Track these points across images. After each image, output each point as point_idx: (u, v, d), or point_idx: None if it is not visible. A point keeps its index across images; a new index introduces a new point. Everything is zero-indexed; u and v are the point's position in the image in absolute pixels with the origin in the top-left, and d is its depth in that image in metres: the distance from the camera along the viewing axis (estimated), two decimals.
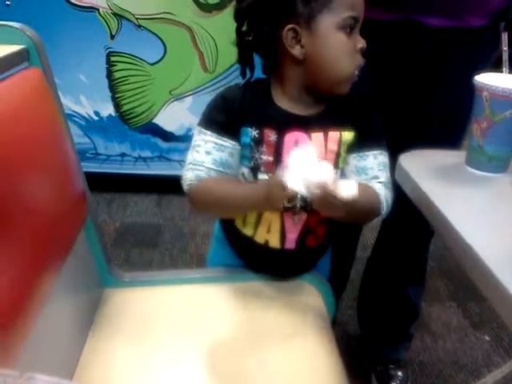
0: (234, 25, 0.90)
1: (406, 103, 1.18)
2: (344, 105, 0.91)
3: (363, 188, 0.85)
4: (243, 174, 0.92)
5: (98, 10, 2.12)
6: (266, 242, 0.97)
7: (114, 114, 2.30)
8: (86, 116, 2.30)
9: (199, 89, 2.26)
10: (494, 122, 0.80)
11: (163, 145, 2.37)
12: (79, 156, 0.94)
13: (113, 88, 2.27)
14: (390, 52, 1.11)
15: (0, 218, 0.62)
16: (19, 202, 0.67)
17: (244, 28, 0.89)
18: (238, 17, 0.89)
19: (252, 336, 0.91)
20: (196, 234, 2.16)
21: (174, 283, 1.06)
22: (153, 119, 2.32)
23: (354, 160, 0.92)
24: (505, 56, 0.86)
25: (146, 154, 2.38)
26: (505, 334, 1.67)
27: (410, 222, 1.23)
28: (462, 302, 1.83)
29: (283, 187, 0.72)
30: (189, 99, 2.28)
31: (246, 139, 0.89)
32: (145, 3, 2.12)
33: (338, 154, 0.91)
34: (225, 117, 0.90)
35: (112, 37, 2.17)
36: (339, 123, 0.90)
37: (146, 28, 2.15)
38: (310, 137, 0.89)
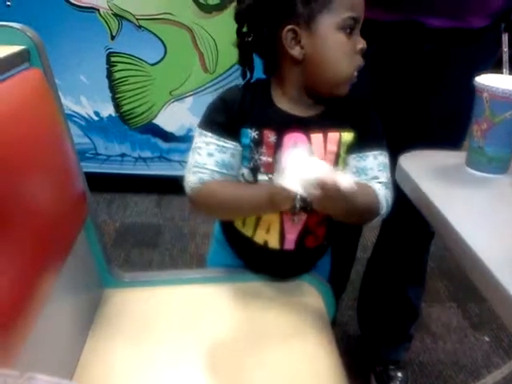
0: (235, 25, 0.90)
1: (406, 104, 1.18)
2: (343, 106, 0.91)
3: (362, 187, 0.85)
4: (243, 175, 0.92)
5: (98, 10, 2.12)
6: (266, 243, 0.97)
7: (114, 114, 2.30)
8: (86, 116, 2.30)
9: (199, 89, 2.26)
10: (494, 123, 0.80)
11: (163, 145, 2.37)
12: (79, 156, 0.94)
13: (113, 88, 2.27)
14: (391, 52, 1.11)
15: (0, 218, 0.62)
16: (19, 202, 0.67)
17: (244, 29, 0.89)
18: (238, 18, 0.89)
19: (252, 336, 0.91)
20: (196, 234, 2.16)
21: (173, 283, 1.06)
22: (153, 119, 2.33)
23: (354, 160, 0.92)
24: (505, 57, 0.87)
25: (146, 154, 2.38)
26: (504, 335, 1.67)
27: (410, 223, 1.23)
28: (462, 303, 1.83)
29: (286, 192, 0.72)
30: (189, 100, 2.28)
31: (245, 140, 0.89)
32: (145, 4, 2.12)
33: (337, 155, 0.91)
34: (225, 118, 0.90)
35: (112, 37, 2.17)
36: (339, 124, 0.90)
37: (146, 28, 2.15)
38: (309, 138, 0.89)
